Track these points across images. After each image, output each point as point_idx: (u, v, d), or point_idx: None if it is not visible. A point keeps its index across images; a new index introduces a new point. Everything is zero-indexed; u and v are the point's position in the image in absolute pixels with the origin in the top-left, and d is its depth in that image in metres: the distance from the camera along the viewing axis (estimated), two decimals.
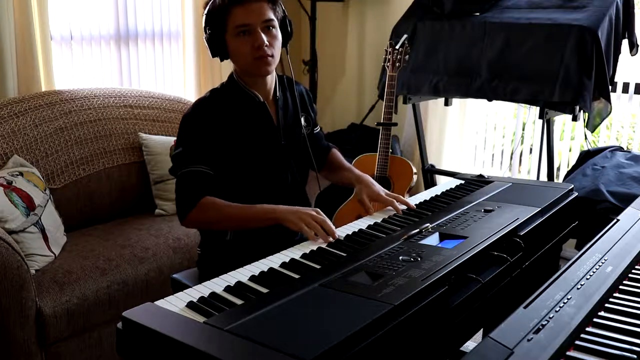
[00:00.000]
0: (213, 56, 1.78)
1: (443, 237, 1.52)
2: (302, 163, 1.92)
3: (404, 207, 1.80)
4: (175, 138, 2.82)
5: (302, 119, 1.91)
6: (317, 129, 2.05)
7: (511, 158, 3.74)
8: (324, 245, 1.50)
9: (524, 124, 3.61)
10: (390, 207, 1.80)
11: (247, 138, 1.78)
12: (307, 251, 1.47)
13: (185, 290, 1.25)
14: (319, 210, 1.60)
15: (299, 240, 1.71)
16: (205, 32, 1.75)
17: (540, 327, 1.03)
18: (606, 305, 1.16)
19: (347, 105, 4.16)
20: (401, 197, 1.83)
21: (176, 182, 1.75)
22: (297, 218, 1.56)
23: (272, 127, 1.82)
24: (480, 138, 3.76)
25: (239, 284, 1.28)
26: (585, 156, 2.88)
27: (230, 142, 1.75)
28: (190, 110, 1.77)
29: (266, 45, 1.67)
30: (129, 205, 2.76)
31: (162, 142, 2.80)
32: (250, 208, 1.66)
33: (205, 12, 1.74)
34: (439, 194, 1.95)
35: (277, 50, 1.73)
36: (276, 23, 1.72)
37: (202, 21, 1.77)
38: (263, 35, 1.67)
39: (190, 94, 3.42)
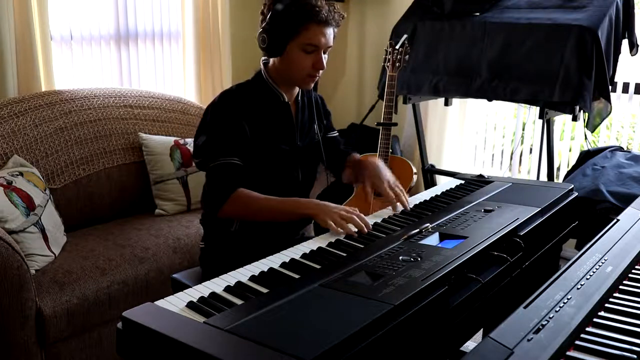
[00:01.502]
0: (264, 49, 1.78)
1: (443, 237, 1.52)
2: (312, 164, 1.98)
3: (401, 208, 1.81)
4: (175, 138, 2.84)
5: (315, 125, 1.96)
6: (335, 134, 2.09)
7: (511, 158, 3.74)
8: (324, 246, 1.51)
9: (524, 124, 3.61)
10: (390, 207, 1.81)
11: (267, 134, 1.81)
12: (307, 251, 1.47)
13: (185, 290, 1.25)
14: (347, 208, 1.63)
15: (300, 238, 1.72)
16: (268, 26, 1.74)
17: (540, 327, 1.03)
18: (606, 305, 1.16)
19: (347, 105, 4.15)
20: (401, 195, 1.84)
21: (207, 174, 1.77)
22: (325, 214, 1.60)
23: (292, 127, 1.87)
24: (480, 138, 3.76)
25: (239, 284, 1.28)
26: (585, 156, 2.87)
27: (251, 135, 1.78)
28: (217, 100, 1.80)
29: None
30: (129, 205, 2.76)
31: (162, 142, 2.80)
32: (283, 202, 1.70)
33: (281, 7, 1.72)
34: (439, 194, 1.95)
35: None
36: (331, 47, 1.80)
37: (265, 5, 1.76)
38: (324, 59, 1.76)
39: (190, 94, 3.42)
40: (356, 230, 1.57)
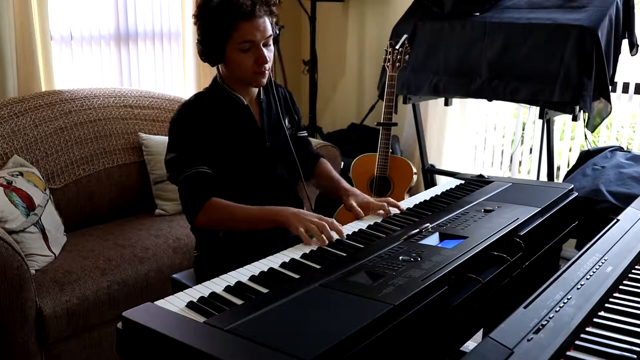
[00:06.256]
0: (205, 60, 1.76)
1: (443, 237, 1.52)
2: (288, 163, 1.94)
3: (395, 210, 1.78)
4: None
5: (286, 121, 1.93)
6: (304, 134, 2.06)
7: (511, 158, 3.74)
8: (324, 246, 1.50)
9: (524, 124, 3.61)
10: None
11: (232, 140, 1.80)
12: (307, 251, 1.47)
13: (185, 290, 1.25)
14: (321, 216, 1.60)
15: (293, 238, 1.71)
16: (201, 36, 1.73)
17: (540, 327, 1.03)
18: (606, 305, 1.16)
19: (347, 105, 4.15)
20: (390, 199, 1.81)
21: (179, 188, 1.75)
22: (297, 221, 1.57)
23: (256, 129, 1.85)
24: (480, 138, 3.76)
25: (239, 284, 1.28)
26: (585, 156, 2.87)
27: (216, 144, 1.76)
28: (177, 115, 1.79)
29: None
30: (129, 205, 2.76)
31: (162, 142, 2.79)
32: (256, 210, 1.67)
33: (203, 16, 1.70)
34: (439, 194, 1.95)
35: (271, 62, 1.77)
36: (272, 36, 1.75)
37: (193, 21, 1.75)
38: (265, 52, 1.71)
39: (190, 94, 3.39)
40: (324, 239, 1.51)
